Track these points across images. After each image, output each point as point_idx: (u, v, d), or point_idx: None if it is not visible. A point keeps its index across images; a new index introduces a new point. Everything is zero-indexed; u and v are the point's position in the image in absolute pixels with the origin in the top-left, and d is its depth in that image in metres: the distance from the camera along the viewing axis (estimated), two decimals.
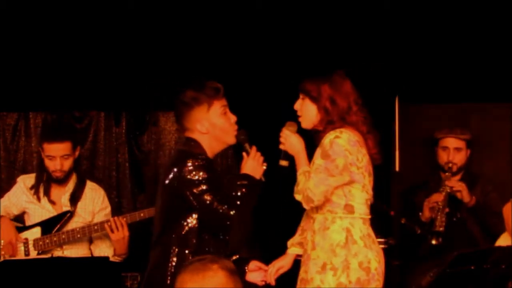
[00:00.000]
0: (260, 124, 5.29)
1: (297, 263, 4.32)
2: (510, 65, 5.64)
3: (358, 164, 4.05)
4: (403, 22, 5.66)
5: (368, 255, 4.02)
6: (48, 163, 5.21)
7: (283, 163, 4.21)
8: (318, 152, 4.07)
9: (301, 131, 4.23)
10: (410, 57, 5.77)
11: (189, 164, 4.06)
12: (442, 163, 5.62)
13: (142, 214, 5.20)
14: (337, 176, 4.01)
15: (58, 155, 5.18)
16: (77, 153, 5.31)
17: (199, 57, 5.73)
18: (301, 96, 4.19)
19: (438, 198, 5.45)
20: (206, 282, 2.77)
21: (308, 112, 4.15)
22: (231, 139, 4.25)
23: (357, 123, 4.10)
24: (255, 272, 4.32)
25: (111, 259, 5.17)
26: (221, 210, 4.03)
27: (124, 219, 5.17)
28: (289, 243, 4.35)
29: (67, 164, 5.22)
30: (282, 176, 4.19)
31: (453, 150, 5.61)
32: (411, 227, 5.46)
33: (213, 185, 4.06)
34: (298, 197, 4.08)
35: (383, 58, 5.67)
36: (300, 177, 4.08)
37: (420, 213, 5.49)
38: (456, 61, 5.79)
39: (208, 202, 4.04)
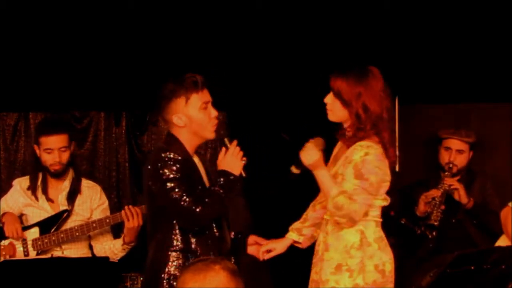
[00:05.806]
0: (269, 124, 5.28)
1: (292, 252, 4.32)
2: (510, 65, 5.64)
3: (387, 178, 4.05)
4: (403, 22, 5.66)
5: (383, 258, 4.04)
6: (46, 157, 5.22)
7: (295, 170, 4.11)
8: (349, 169, 3.98)
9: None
10: (410, 57, 5.78)
11: (160, 161, 4.02)
12: (443, 163, 5.61)
13: None
14: (374, 194, 4.00)
15: (56, 147, 5.19)
16: (72, 147, 5.31)
17: (199, 57, 5.73)
18: (332, 93, 4.09)
19: (435, 193, 5.45)
20: (207, 282, 2.78)
21: (338, 112, 4.07)
22: (209, 134, 4.16)
23: (384, 132, 4.05)
24: (253, 246, 4.31)
25: (121, 248, 5.18)
26: (186, 208, 3.95)
27: (139, 209, 5.14)
28: (290, 228, 4.33)
29: (65, 156, 5.23)
30: (290, 181, 4.15)
31: (455, 151, 5.60)
32: (411, 227, 5.46)
33: (182, 182, 3.99)
34: (341, 220, 3.99)
35: (383, 58, 5.66)
36: (341, 200, 3.96)
37: (416, 207, 5.50)
38: (455, 61, 5.80)
39: (174, 199, 3.97)
